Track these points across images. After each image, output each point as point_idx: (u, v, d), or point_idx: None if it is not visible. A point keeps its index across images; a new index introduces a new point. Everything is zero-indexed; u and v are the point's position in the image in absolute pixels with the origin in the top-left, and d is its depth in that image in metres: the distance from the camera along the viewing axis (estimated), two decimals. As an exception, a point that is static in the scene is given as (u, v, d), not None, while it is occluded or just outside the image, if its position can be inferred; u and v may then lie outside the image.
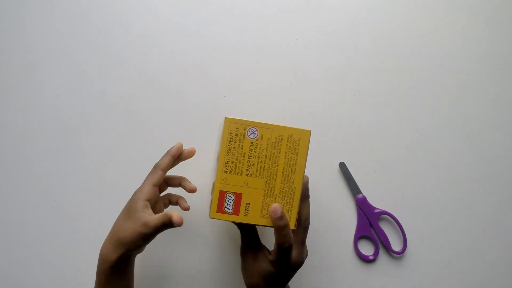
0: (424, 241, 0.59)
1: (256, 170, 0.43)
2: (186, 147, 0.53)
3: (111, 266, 0.47)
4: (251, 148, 0.43)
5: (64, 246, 0.60)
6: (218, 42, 0.62)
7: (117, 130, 0.61)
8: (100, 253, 0.48)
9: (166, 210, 0.56)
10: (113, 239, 0.47)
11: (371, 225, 0.59)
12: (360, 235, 0.59)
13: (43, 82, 0.63)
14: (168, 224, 0.44)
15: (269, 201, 0.43)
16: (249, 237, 0.48)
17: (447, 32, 0.62)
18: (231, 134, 0.43)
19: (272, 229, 0.45)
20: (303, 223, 0.46)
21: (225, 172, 0.43)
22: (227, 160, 0.43)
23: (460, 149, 0.61)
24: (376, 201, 0.60)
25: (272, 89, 0.62)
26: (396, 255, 0.59)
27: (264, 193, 0.43)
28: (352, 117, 0.61)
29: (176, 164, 0.53)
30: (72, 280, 0.59)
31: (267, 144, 0.43)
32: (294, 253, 0.46)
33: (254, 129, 0.43)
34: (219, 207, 0.43)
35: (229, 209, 0.43)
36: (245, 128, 0.43)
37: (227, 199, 0.43)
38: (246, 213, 0.43)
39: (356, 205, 0.59)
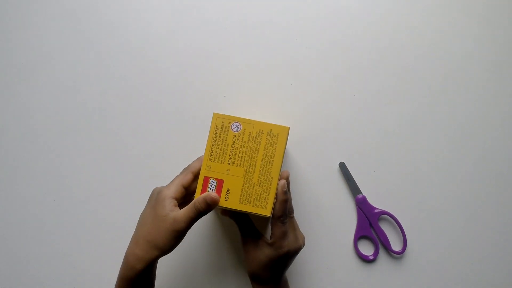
0: (424, 241, 0.59)
1: (237, 160, 0.47)
2: (187, 147, 0.53)
3: (139, 273, 0.45)
4: (234, 140, 0.47)
5: (64, 246, 0.60)
6: (218, 42, 0.62)
7: (117, 130, 0.61)
8: (126, 259, 0.46)
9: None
10: (142, 243, 0.45)
11: (371, 225, 0.59)
12: (360, 235, 0.59)
13: (43, 82, 0.63)
14: (203, 210, 0.44)
15: (247, 188, 0.47)
16: (246, 228, 0.50)
17: (447, 32, 0.62)
18: (217, 127, 0.48)
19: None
20: (289, 213, 0.49)
21: (210, 160, 0.47)
22: (212, 149, 0.47)
23: (460, 149, 0.61)
24: (376, 201, 0.60)
25: (272, 89, 0.62)
26: (396, 255, 0.59)
27: (244, 181, 0.47)
28: (352, 117, 0.61)
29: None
30: (72, 280, 0.59)
31: (249, 137, 0.47)
32: (290, 237, 0.48)
33: (238, 124, 0.47)
34: (203, 191, 0.47)
35: None
36: (229, 123, 0.48)
37: (210, 184, 0.47)
38: (227, 198, 0.47)
39: (356, 205, 0.59)
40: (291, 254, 0.48)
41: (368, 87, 0.61)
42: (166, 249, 0.45)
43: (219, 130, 0.47)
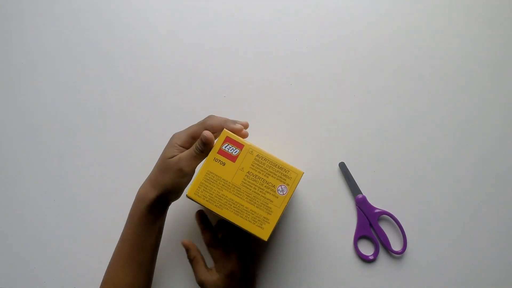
0: (424, 241, 0.59)
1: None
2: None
3: (148, 205, 0.48)
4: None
5: (64, 246, 0.60)
6: (218, 42, 0.62)
7: (117, 130, 0.62)
8: (137, 194, 0.50)
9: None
10: (153, 181, 0.49)
11: (371, 225, 0.59)
12: (360, 235, 0.59)
13: (43, 82, 0.63)
14: (200, 147, 0.46)
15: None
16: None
17: (447, 32, 0.62)
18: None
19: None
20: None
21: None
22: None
23: (460, 149, 0.61)
24: (376, 201, 0.60)
25: (272, 89, 0.62)
26: (396, 255, 0.59)
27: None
28: (352, 117, 0.61)
29: None
30: (72, 280, 0.59)
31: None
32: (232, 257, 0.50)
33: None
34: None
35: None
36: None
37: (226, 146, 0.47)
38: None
39: (356, 205, 0.59)
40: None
41: (368, 87, 0.61)
42: (170, 187, 0.48)
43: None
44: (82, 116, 0.62)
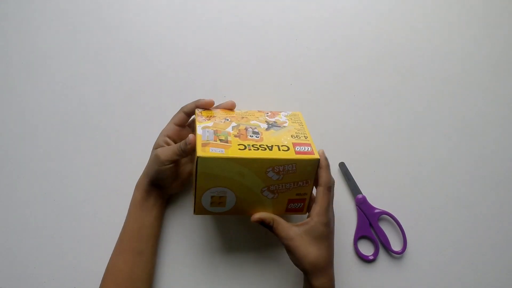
0: (424, 241, 0.59)
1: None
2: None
3: (141, 192, 0.53)
4: None
5: (64, 246, 0.60)
6: (218, 42, 0.62)
7: (117, 130, 0.62)
8: (135, 186, 0.55)
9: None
10: (144, 170, 0.55)
11: (371, 225, 0.59)
12: (360, 235, 0.59)
13: (43, 82, 0.63)
14: (182, 146, 0.49)
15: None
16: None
17: (446, 32, 0.62)
18: None
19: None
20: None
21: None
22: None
23: (460, 149, 0.61)
24: (376, 201, 0.60)
25: (272, 89, 0.62)
26: (396, 255, 0.59)
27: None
28: (352, 117, 0.61)
29: None
30: (72, 280, 0.59)
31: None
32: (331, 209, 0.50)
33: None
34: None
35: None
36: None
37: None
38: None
39: (356, 205, 0.59)
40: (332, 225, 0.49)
41: (368, 87, 0.61)
42: (153, 173, 0.52)
43: None
44: (82, 116, 0.62)
